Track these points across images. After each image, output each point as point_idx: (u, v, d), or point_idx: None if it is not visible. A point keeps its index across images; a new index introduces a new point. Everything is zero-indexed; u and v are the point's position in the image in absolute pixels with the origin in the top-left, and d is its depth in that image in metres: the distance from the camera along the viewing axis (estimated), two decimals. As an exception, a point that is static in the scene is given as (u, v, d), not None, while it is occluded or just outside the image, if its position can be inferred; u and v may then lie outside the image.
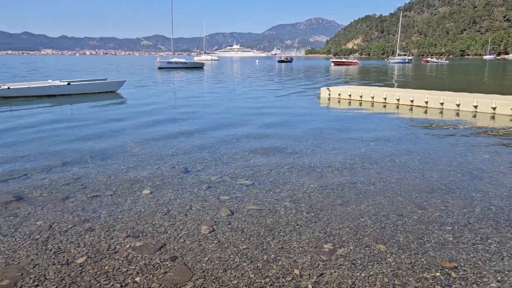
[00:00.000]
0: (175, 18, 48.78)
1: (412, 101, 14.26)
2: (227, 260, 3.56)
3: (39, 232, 4.08)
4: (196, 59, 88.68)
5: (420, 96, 14.13)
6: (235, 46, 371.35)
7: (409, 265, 3.49)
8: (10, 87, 16.31)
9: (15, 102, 14.77)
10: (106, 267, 3.43)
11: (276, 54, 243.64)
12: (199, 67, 52.98)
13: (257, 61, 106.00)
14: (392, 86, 22.84)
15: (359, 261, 3.56)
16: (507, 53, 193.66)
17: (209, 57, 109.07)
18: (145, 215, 4.53)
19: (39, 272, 3.34)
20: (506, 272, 3.40)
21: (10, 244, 3.82)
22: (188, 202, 4.94)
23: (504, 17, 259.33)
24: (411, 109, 13.47)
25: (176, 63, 50.35)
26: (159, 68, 48.70)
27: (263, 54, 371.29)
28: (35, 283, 3.19)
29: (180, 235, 4.05)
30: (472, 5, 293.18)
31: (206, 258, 3.59)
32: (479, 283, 3.25)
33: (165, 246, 3.80)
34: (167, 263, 3.51)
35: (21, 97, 16.19)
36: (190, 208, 4.74)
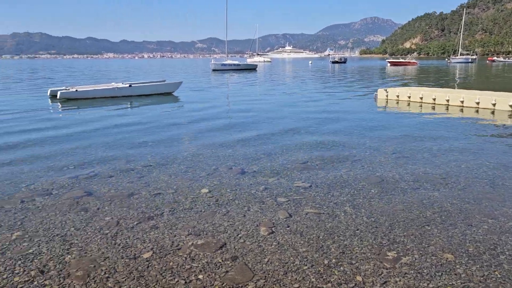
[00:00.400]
0: (228, 21, 49.62)
1: (478, 103, 13.45)
2: (287, 263, 3.55)
3: (108, 227, 4.31)
4: (249, 60, 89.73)
5: (486, 98, 13.30)
6: (287, 47, 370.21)
7: (482, 278, 3.29)
8: (78, 90, 17.43)
9: (82, 104, 15.73)
10: (171, 263, 3.55)
11: (329, 54, 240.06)
12: (252, 68, 53.50)
13: (310, 62, 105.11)
14: (454, 87, 21.70)
15: (425, 271, 3.40)
16: None
17: (261, 58, 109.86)
18: (205, 214, 4.64)
19: (109, 265, 3.53)
20: None
21: (82, 238, 4.06)
22: (246, 203, 5.00)
23: None
24: (476, 112, 12.71)
25: (230, 65, 51.16)
26: (213, 70, 49.74)
27: (316, 55, 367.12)
28: (106, 275, 3.37)
29: (239, 235, 4.10)
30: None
31: (266, 260, 3.61)
32: (562, 301, 2.99)
33: (226, 246, 3.86)
34: (228, 262, 3.57)
35: (87, 99, 17.23)
36: (248, 209, 4.78)
